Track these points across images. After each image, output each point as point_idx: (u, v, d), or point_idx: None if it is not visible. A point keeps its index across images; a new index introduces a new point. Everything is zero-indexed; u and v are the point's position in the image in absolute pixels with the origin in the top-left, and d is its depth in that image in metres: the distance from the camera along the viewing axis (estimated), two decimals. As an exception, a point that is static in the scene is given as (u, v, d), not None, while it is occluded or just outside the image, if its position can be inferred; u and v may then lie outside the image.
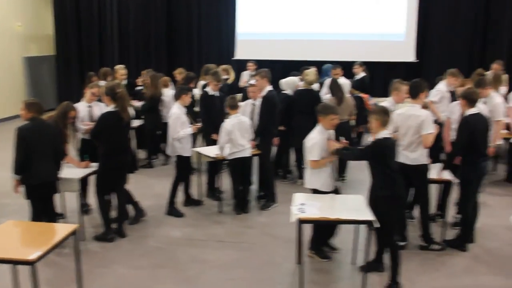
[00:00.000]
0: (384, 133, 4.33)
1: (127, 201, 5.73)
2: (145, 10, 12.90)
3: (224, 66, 9.18)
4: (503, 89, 7.64)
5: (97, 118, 5.38)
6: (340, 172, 6.86)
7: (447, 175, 5.24)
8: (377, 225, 4.14)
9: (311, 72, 7.09)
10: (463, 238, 5.28)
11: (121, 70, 8.58)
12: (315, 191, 4.76)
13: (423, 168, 5.06)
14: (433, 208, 5.68)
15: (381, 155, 4.30)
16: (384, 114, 4.36)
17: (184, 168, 6.18)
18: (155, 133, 8.19)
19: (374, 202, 4.41)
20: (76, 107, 5.67)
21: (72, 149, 5.89)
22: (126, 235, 5.47)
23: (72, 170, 5.36)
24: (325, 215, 4.17)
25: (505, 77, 8.18)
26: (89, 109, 6.09)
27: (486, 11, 11.12)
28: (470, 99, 5.06)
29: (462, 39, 11.16)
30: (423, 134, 4.90)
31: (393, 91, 5.54)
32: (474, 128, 4.93)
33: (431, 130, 4.93)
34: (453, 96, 6.74)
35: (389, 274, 4.43)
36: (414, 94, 5.07)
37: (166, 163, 8.30)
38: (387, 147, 4.32)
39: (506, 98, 7.41)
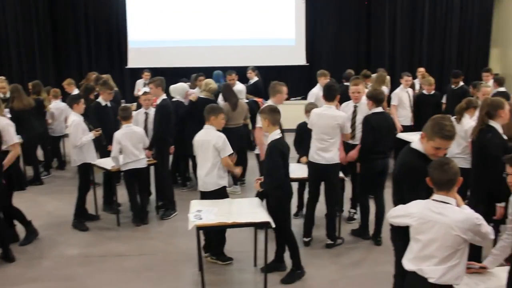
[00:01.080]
0: (277, 133, 4.43)
1: (20, 221, 5.42)
2: (26, 15, 11.87)
3: (105, 76, 8.74)
4: (386, 89, 8.21)
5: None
6: (240, 175, 6.92)
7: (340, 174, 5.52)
8: (273, 225, 4.23)
9: (213, 81, 7.14)
10: (365, 226, 5.58)
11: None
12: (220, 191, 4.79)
13: (337, 167, 5.24)
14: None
15: (281, 155, 4.38)
16: (274, 113, 4.46)
17: (88, 176, 5.98)
18: (34, 147, 7.70)
19: (268, 200, 4.55)
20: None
21: None
22: (14, 259, 5.12)
23: None
24: (222, 220, 4.18)
25: (387, 78, 8.82)
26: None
27: (368, 15, 11.86)
28: (377, 99, 5.34)
29: (348, 43, 11.81)
30: (344, 133, 5.19)
31: (272, 92, 5.53)
32: (376, 126, 5.21)
33: (350, 130, 5.23)
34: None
35: (292, 262, 4.62)
36: (330, 96, 5.18)
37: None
38: (283, 146, 4.43)
39: (389, 97, 7.98)
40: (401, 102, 7.74)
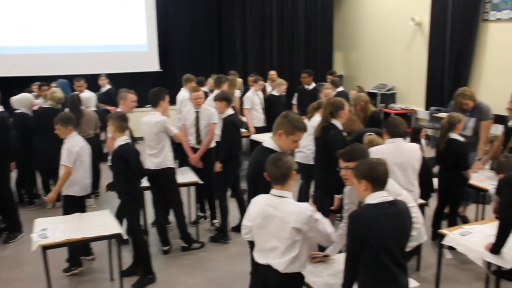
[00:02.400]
0: (123, 139, 4.43)
1: None
2: None
3: None
4: (238, 92, 8.44)
5: None
6: (94, 188, 6.63)
7: (193, 177, 5.56)
8: (125, 237, 4.14)
9: (59, 90, 6.78)
10: (224, 230, 5.67)
11: None
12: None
13: (168, 172, 5.22)
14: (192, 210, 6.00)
15: (125, 161, 4.35)
16: (121, 119, 4.45)
17: None
18: None
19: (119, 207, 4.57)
20: None
21: None
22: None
23: None
24: (70, 237, 3.96)
25: (239, 81, 9.06)
26: None
27: (219, 20, 12.07)
28: (228, 99, 5.49)
29: (200, 48, 11.89)
30: (173, 135, 5.18)
31: (120, 100, 5.42)
32: (238, 126, 5.50)
33: (175, 131, 5.22)
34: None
35: (143, 267, 4.66)
36: (154, 102, 5.18)
37: None
38: (128, 152, 4.41)
39: (241, 100, 8.21)
40: (253, 105, 8.00)
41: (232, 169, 5.62)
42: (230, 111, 5.52)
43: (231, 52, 12.16)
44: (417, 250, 4.70)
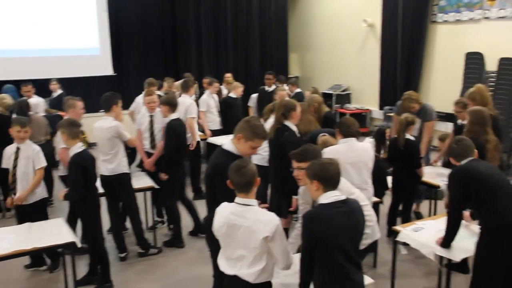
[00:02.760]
0: (79, 146, 4.33)
1: None
2: None
3: None
4: (193, 95, 8.41)
5: None
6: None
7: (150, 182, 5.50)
8: (79, 245, 4.04)
9: (8, 96, 6.58)
10: (178, 235, 5.60)
11: None
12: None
13: (124, 178, 5.13)
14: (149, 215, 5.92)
15: (83, 168, 4.27)
16: (72, 126, 4.35)
17: None
18: None
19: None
20: None
21: None
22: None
23: None
24: (20, 248, 3.82)
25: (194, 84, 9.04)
26: None
27: (173, 23, 11.95)
28: (172, 105, 5.38)
29: (155, 50, 11.75)
30: (127, 140, 5.08)
31: (69, 108, 5.24)
32: (179, 132, 5.31)
33: (128, 136, 5.11)
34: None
35: (100, 275, 4.61)
36: (107, 107, 5.07)
37: None
38: (86, 159, 4.32)
39: (197, 103, 8.16)
40: (209, 108, 7.96)
41: (177, 176, 5.54)
42: (173, 116, 5.41)
43: (186, 55, 12.06)
44: (373, 247, 4.79)
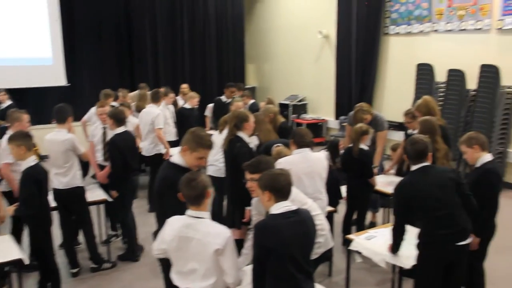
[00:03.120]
0: (32, 159, 4.19)
1: None
2: None
3: None
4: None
5: None
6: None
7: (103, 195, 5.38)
8: (26, 262, 3.91)
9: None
10: (132, 249, 5.49)
11: None
12: None
13: (78, 191, 5.00)
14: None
15: (38, 182, 4.15)
16: (28, 138, 4.22)
17: None
18: None
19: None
20: None
21: None
22: None
23: None
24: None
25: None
26: None
27: (128, 33, 11.81)
28: (118, 119, 5.26)
29: (110, 61, 11.56)
30: (81, 154, 4.96)
31: (14, 122, 5.05)
32: (123, 147, 5.17)
33: (82, 149, 4.99)
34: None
35: None
36: (61, 118, 4.93)
37: None
38: (40, 173, 4.20)
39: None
40: (165, 119, 7.88)
41: (129, 189, 5.43)
42: (119, 130, 5.26)
43: (142, 65, 11.94)
44: (328, 256, 4.82)
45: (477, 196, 3.64)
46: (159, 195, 3.29)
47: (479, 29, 8.09)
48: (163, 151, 6.91)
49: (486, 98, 7.81)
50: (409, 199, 3.53)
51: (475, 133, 4.01)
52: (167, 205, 3.14)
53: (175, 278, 2.94)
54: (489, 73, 7.76)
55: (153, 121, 6.77)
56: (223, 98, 8.98)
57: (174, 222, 2.88)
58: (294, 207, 2.84)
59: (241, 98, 8.00)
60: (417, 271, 3.57)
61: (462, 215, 3.50)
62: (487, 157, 3.90)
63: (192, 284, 2.83)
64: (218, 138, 5.50)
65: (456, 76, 8.28)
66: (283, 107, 11.69)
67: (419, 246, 3.54)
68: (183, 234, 2.80)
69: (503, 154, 7.86)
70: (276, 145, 4.72)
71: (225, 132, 5.46)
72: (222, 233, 2.78)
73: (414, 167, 3.61)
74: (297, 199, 3.14)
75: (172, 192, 2.96)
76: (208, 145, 3.26)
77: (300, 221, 2.81)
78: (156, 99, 7.09)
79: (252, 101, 8.66)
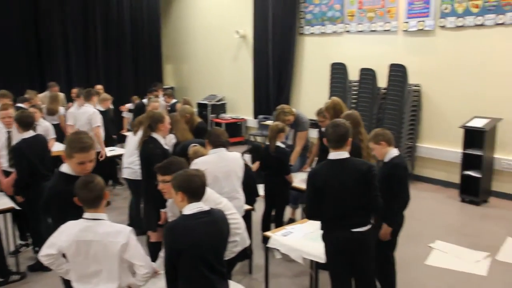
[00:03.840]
0: None
1: None
2: None
3: None
4: (62, 108, 8.07)
5: None
6: None
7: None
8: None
9: None
10: None
11: None
12: None
13: None
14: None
15: None
16: None
17: None
18: None
19: None
20: None
21: None
22: None
23: None
24: None
25: (61, 96, 8.63)
26: None
27: (36, 32, 11.24)
28: (24, 123, 4.98)
29: (18, 61, 10.94)
30: None
31: None
32: (29, 153, 4.90)
33: None
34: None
35: None
36: None
37: None
38: None
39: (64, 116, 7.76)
40: (77, 121, 7.57)
41: (38, 195, 5.13)
42: (26, 135, 4.98)
43: (52, 65, 11.41)
44: (246, 254, 4.84)
45: (387, 189, 3.78)
46: (46, 206, 3.17)
47: (388, 30, 8.49)
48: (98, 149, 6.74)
49: (396, 96, 8.20)
50: (315, 185, 3.46)
51: (381, 130, 4.16)
52: (52, 216, 3.08)
53: (77, 285, 2.87)
54: (398, 72, 8.14)
55: (90, 119, 6.81)
56: (145, 101, 8.78)
57: (70, 227, 2.82)
58: (206, 208, 2.82)
59: (157, 99, 7.87)
60: (326, 261, 3.64)
61: (363, 209, 3.46)
62: (393, 152, 4.07)
63: (96, 287, 2.78)
64: (133, 139, 5.35)
65: (367, 75, 8.62)
66: (202, 107, 11.65)
67: (322, 236, 3.56)
68: (82, 238, 2.76)
69: (412, 149, 8.30)
70: (193, 144, 4.68)
71: (140, 133, 5.35)
72: (122, 231, 2.80)
73: (331, 155, 3.47)
74: (210, 199, 3.12)
75: (58, 202, 2.92)
76: (80, 147, 3.04)
77: (212, 221, 2.79)
78: (88, 98, 7.07)
79: (174, 100, 8.60)
